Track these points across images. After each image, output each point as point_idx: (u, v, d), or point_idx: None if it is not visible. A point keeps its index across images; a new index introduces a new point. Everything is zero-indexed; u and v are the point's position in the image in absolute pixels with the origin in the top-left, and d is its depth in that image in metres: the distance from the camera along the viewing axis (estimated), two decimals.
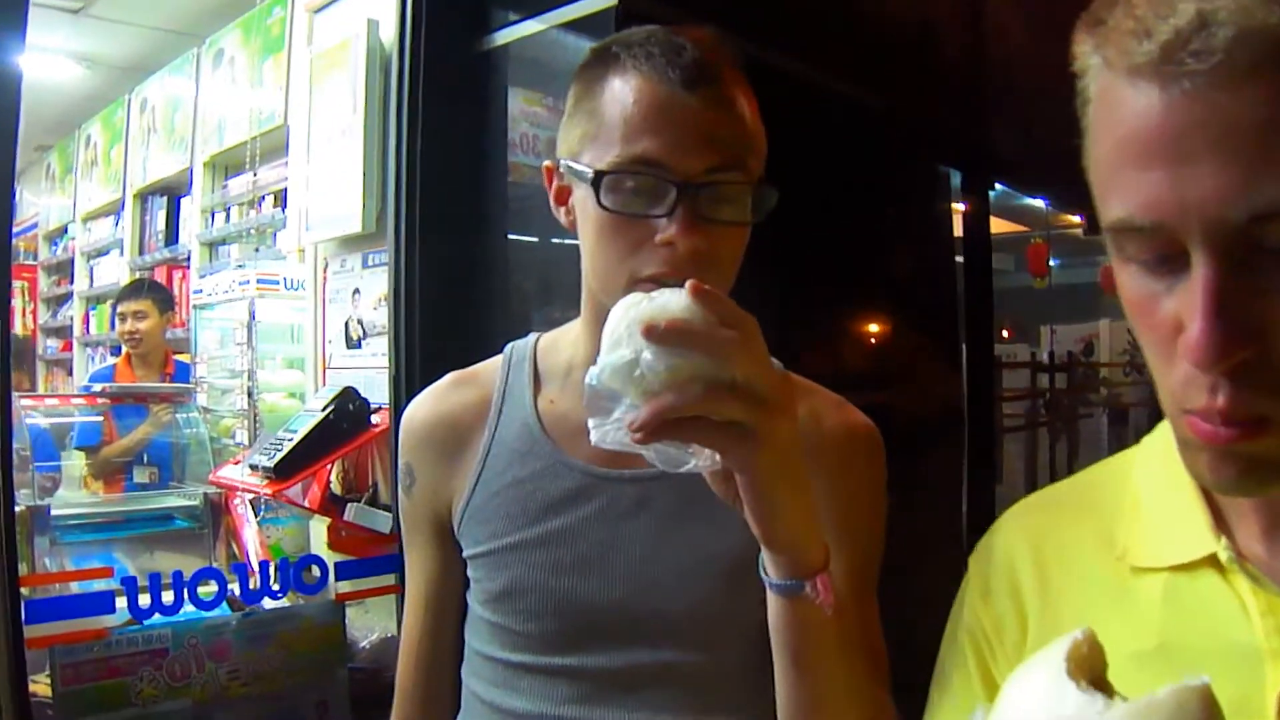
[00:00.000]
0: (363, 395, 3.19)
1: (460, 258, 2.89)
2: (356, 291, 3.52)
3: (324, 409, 3.14)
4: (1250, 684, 0.85)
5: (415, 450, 1.61)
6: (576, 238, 1.43)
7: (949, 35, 4.08)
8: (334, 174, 3.53)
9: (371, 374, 3.34)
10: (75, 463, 5.09)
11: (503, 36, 2.88)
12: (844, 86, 3.29)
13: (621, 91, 1.33)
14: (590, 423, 1.10)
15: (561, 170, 1.42)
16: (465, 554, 1.55)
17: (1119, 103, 0.78)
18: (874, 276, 3.41)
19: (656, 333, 1.03)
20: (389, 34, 3.29)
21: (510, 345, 1.63)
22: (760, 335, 1.09)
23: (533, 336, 1.63)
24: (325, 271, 3.70)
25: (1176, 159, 0.73)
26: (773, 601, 1.21)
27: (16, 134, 2.25)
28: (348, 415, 3.11)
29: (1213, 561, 0.92)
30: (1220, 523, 0.93)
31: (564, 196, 1.44)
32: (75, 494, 4.85)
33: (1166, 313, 0.79)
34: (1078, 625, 0.90)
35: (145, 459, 5.02)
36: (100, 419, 4.97)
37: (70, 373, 8.11)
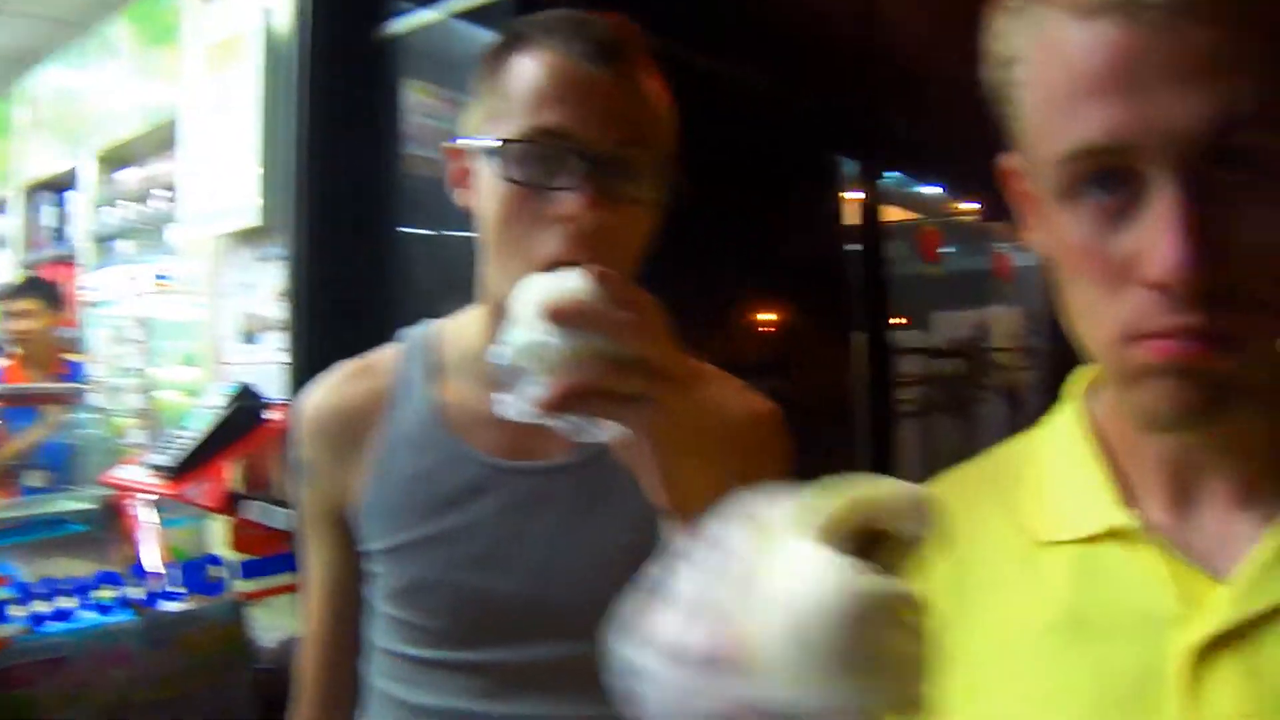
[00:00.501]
0: (260, 391, 3.16)
1: (356, 250, 2.88)
2: (251, 286, 3.51)
3: (220, 406, 3.12)
4: (1155, 651, 0.87)
5: (312, 444, 1.59)
6: (473, 228, 1.42)
7: (843, 21, 4.11)
8: (228, 166, 3.50)
9: (269, 369, 3.31)
10: None
11: (399, 26, 2.87)
12: (736, 72, 3.31)
13: (529, 67, 1.33)
14: (496, 396, 1.12)
15: (462, 148, 1.41)
16: (365, 549, 1.53)
17: (1070, 44, 0.81)
18: (767, 264, 3.44)
19: (559, 315, 1.06)
20: (282, 23, 3.26)
21: (405, 333, 1.62)
22: (660, 313, 1.12)
23: (429, 324, 1.62)
24: (219, 266, 3.65)
25: (1138, 86, 0.77)
26: None
27: None
28: (245, 412, 3.09)
29: (1119, 534, 0.94)
30: (1129, 496, 0.95)
31: (463, 177, 1.43)
32: None
33: (1120, 245, 0.80)
34: (987, 601, 1.00)
35: (37, 462, 4.95)
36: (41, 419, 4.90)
37: None
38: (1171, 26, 0.76)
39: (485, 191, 1.37)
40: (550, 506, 1.44)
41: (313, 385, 1.64)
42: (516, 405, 1.10)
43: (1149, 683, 0.87)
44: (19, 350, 5.50)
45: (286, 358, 3.01)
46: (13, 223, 7.08)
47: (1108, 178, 0.81)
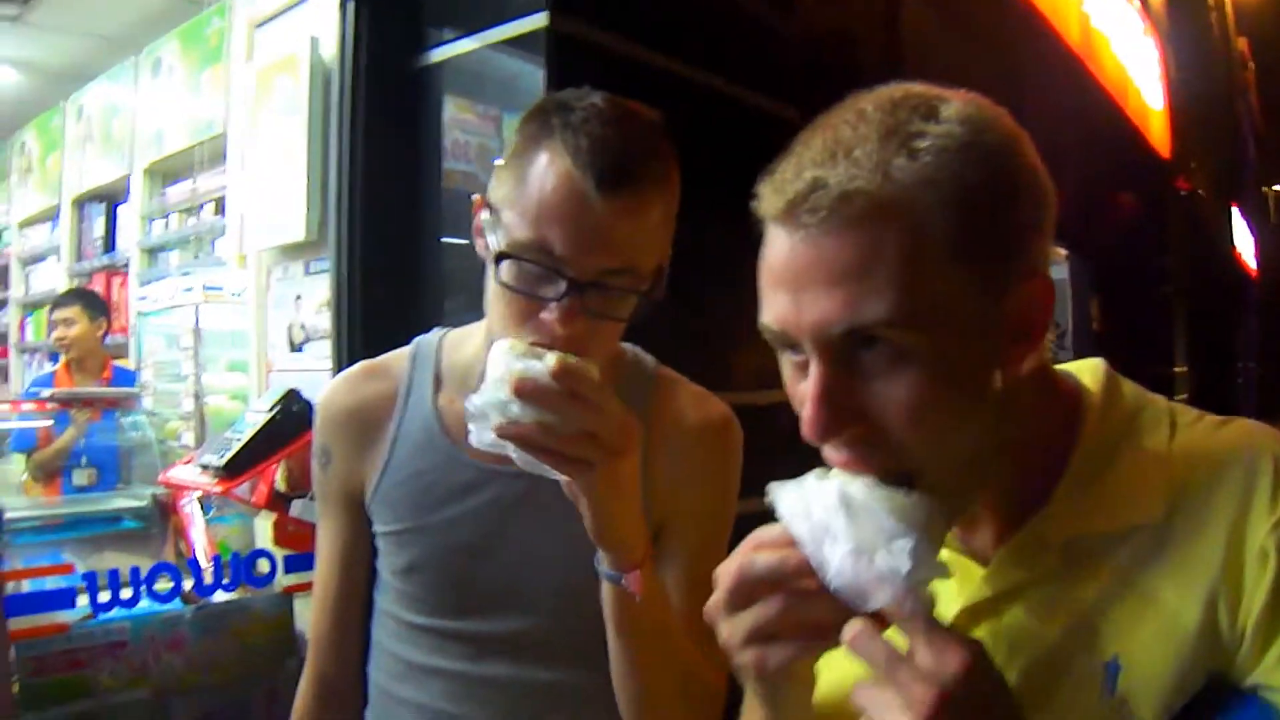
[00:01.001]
0: (305, 397, 3.27)
1: (398, 262, 2.99)
2: (299, 297, 3.61)
3: (269, 410, 3.22)
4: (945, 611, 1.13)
5: (332, 434, 1.79)
6: None
7: (869, 50, 4.23)
8: (276, 184, 3.61)
9: (314, 376, 3.43)
10: (14, 467, 5.15)
11: (438, 54, 2.98)
12: (763, 101, 3.42)
13: (544, 174, 1.44)
14: (469, 427, 1.39)
15: (486, 216, 1.53)
16: (374, 530, 1.74)
17: (768, 238, 1.05)
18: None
19: (521, 390, 1.32)
20: (329, 50, 3.39)
21: (417, 340, 1.80)
22: (611, 397, 1.37)
23: (438, 333, 1.80)
24: (268, 278, 3.78)
25: (796, 286, 1.00)
26: (603, 584, 1.49)
27: None
28: (292, 416, 3.20)
29: None
30: None
31: (481, 231, 1.55)
32: (17, 498, 4.90)
33: (802, 394, 1.03)
34: None
35: (84, 461, 5.09)
36: (49, 424, 5.03)
37: (6, 379, 8.08)
38: (818, 240, 0.99)
39: (488, 268, 1.51)
40: (531, 505, 1.64)
41: (331, 381, 1.85)
42: (481, 437, 1.37)
43: None
44: (66, 355, 5.65)
45: (331, 365, 3.12)
46: (63, 233, 7.20)
47: (791, 347, 1.05)
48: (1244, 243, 21.97)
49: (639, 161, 1.46)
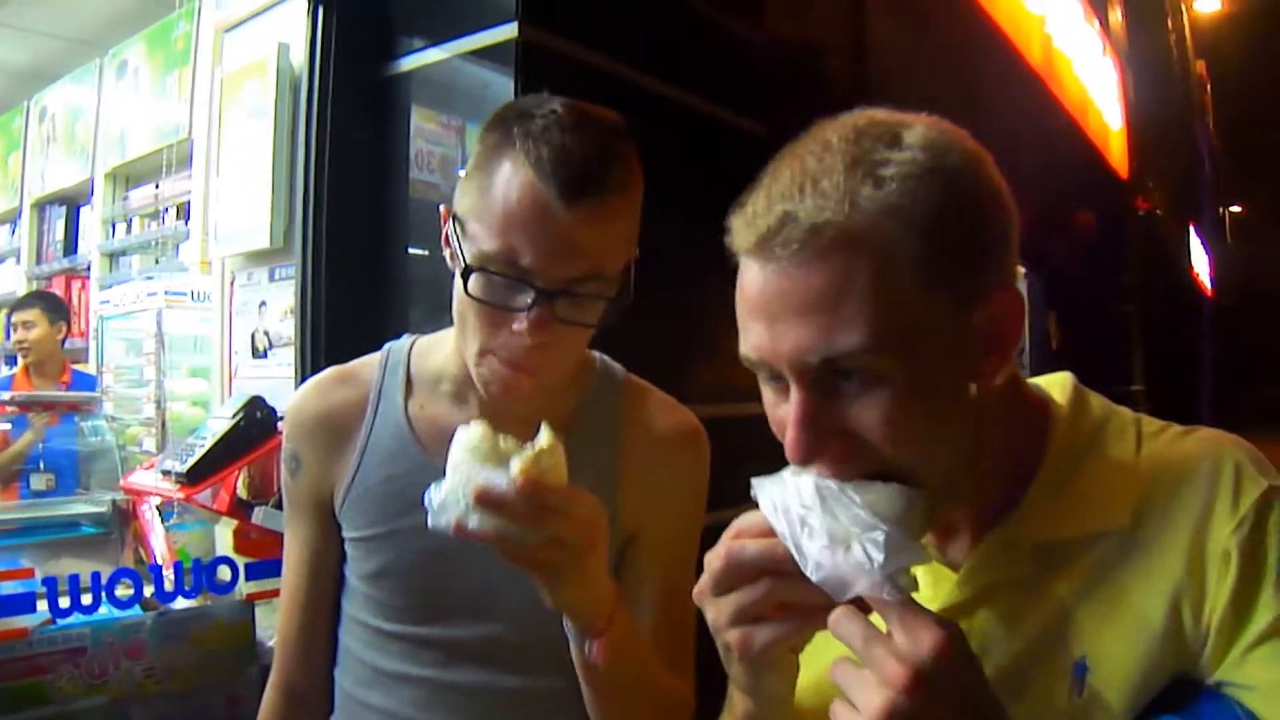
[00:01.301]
0: (269, 404, 3.25)
1: (363, 270, 3.00)
2: (263, 303, 3.59)
3: (233, 416, 3.20)
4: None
5: (301, 440, 1.79)
6: None
7: (833, 65, 4.26)
8: (242, 190, 3.60)
9: (276, 383, 3.43)
10: None
11: (407, 63, 2.99)
12: (728, 114, 3.45)
13: (508, 185, 1.46)
14: (427, 512, 1.36)
15: (452, 227, 1.55)
16: (345, 535, 1.75)
17: (742, 270, 1.09)
18: None
19: (485, 502, 1.31)
20: (298, 56, 3.37)
21: (388, 346, 1.81)
22: (580, 501, 1.37)
23: (408, 340, 1.81)
24: (232, 284, 3.77)
25: (770, 317, 1.04)
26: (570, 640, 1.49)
27: None
28: (256, 422, 3.18)
29: None
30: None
31: (448, 241, 1.57)
32: None
33: (782, 418, 1.08)
34: None
35: (42, 466, 5.03)
36: (6, 428, 4.98)
37: None
38: (791, 273, 1.03)
39: (457, 280, 1.52)
40: None
41: (301, 387, 1.84)
42: (437, 522, 1.35)
43: None
44: (25, 359, 5.62)
45: (294, 372, 3.12)
46: (23, 235, 7.15)
47: (770, 374, 1.10)
48: (1200, 262, 22.20)
49: (601, 167, 1.47)
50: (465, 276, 1.48)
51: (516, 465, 1.32)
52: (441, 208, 1.60)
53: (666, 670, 1.70)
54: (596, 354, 1.82)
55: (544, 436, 1.37)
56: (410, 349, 1.80)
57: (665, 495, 1.75)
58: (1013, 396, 1.20)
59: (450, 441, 1.37)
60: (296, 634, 1.84)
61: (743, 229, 1.08)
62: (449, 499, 1.33)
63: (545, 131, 1.46)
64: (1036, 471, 1.18)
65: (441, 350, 1.75)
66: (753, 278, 1.07)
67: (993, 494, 1.19)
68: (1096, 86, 10.99)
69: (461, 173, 1.59)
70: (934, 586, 1.20)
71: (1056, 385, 1.26)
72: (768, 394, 1.13)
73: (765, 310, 1.06)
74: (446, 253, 1.58)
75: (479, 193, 1.49)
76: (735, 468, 1.98)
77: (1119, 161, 12.16)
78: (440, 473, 1.60)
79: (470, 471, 1.33)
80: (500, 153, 1.48)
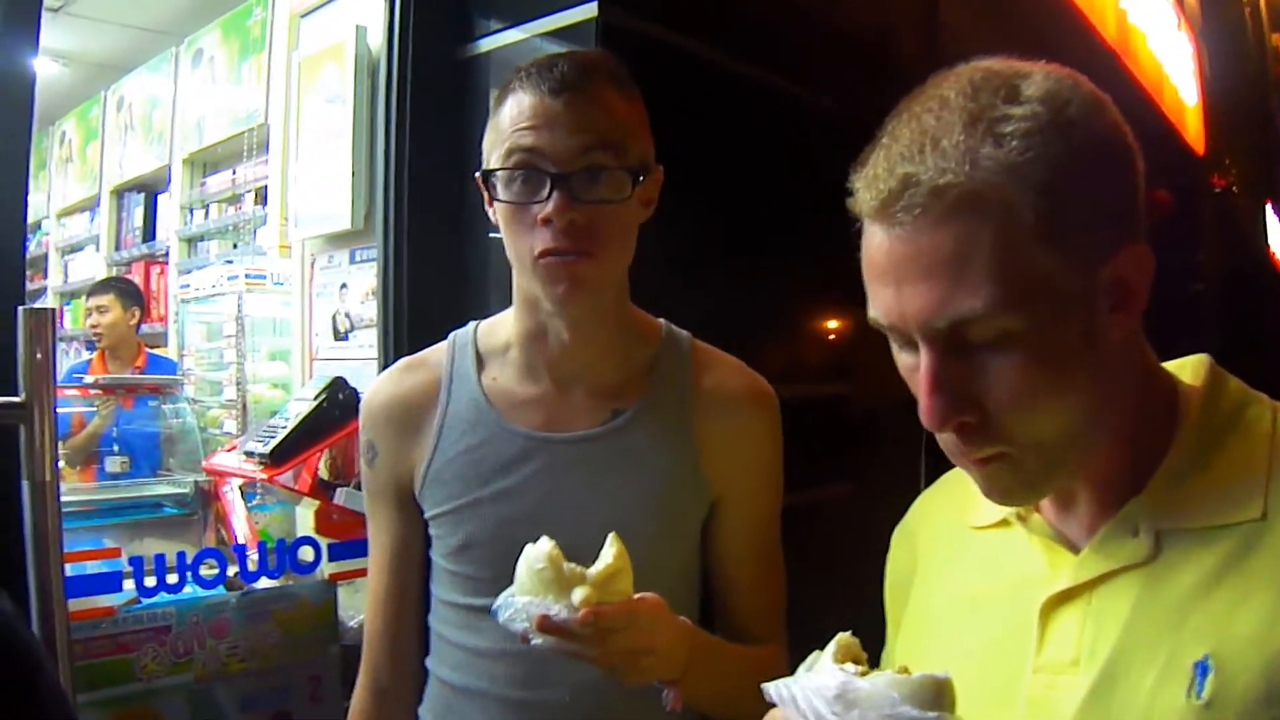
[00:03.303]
0: (351, 385, 3.28)
1: (444, 252, 2.99)
2: (344, 286, 3.61)
3: (315, 398, 3.23)
4: (1028, 606, 1.15)
5: (376, 429, 1.83)
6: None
7: (905, 43, 4.22)
8: (322, 173, 3.62)
9: (358, 365, 3.45)
10: None
11: (486, 44, 2.98)
12: (809, 96, 3.42)
13: (508, 106, 1.60)
14: (497, 611, 1.45)
15: (481, 178, 1.66)
16: (426, 515, 1.77)
17: (866, 234, 1.09)
18: (837, 273, 3.53)
19: (542, 628, 1.38)
20: (375, 40, 3.39)
21: (453, 333, 1.85)
22: (639, 613, 1.44)
23: (472, 324, 1.85)
24: (312, 267, 3.79)
25: (897, 281, 1.02)
26: None
27: (29, 141, 2.34)
28: (338, 403, 3.20)
29: (1013, 520, 1.23)
30: None
31: (490, 201, 1.67)
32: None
33: (916, 382, 1.07)
34: (936, 576, 1.32)
35: (116, 448, 5.10)
36: (81, 410, 5.05)
37: None
38: (914, 237, 1.02)
39: (496, 210, 1.64)
40: (583, 469, 1.67)
41: (373, 381, 1.90)
42: (516, 626, 1.42)
43: (1018, 635, 1.15)
44: (100, 343, 5.69)
45: (378, 354, 3.13)
46: (102, 222, 7.23)
47: (900, 337, 1.09)
48: (1277, 240, 21.83)
49: (586, 71, 1.61)
50: (488, 184, 1.62)
51: (579, 595, 1.37)
52: (476, 176, 1.70)
53: (761, 633, 1.76)
54: (662, 321, 1.85)
55: (610, 553, 1.43)
56: (475, 330, 1.84)
57: (744, 456, 1.78)
58: (1143, 373, 1.17)
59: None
60: (383, 630, 1.87)
61: (864, 192, 1.07)
62: (517, 616, 1.41)
63: (534, 63, 1.63)
64: (1164, 454, 1.13)
65: (504, 325, 1.80)
66: (878, 243, 1.07)
67: (1115, 473, 1.15)
68: (1171, 61, 10.81)
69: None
70: (1051, 567, 1.17)
71: (1189, 367, 1.22)
72: (901, 358, 1.13)
73: (891, 275, 1.05)
74: (490, 213, 1.68)
75: (492, 131, 1.65)
76: (804, 450, 2.00)
77: (1194, 138, 11.97)
78: (520, 438, 1.70)
79: (534, 600, 1.40)
80: (503, 98, 1.64)
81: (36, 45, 2.28)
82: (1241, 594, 1.03)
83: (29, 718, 1.13)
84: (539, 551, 1.41)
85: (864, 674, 1.04)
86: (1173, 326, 1.10)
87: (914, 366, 1.09)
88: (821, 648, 1.12)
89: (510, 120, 1.60)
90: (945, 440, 1.12)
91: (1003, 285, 1.00)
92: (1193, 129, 11.93)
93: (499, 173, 1.60)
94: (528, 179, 1.58)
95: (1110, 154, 1.07)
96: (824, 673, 1.05)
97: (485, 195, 1.68)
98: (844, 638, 1.11)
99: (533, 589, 1.40)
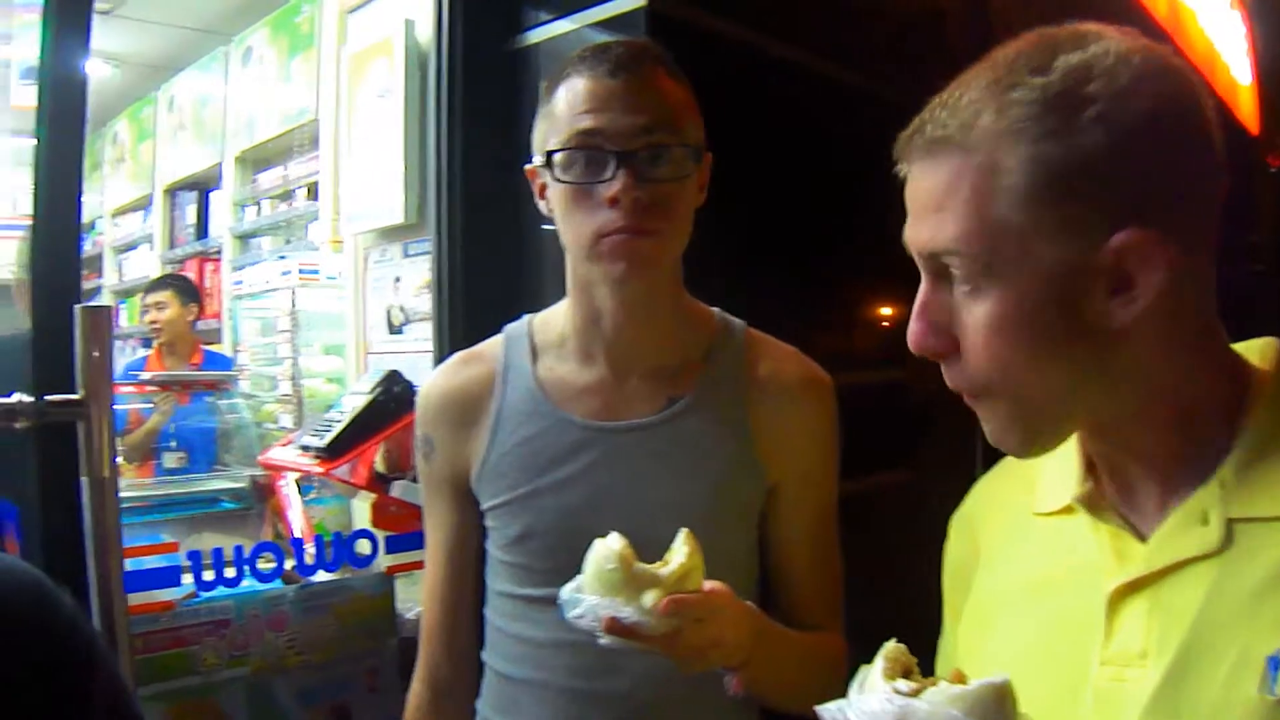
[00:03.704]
0: (406, 378, 3.28)
1: (498, 244, 2.99)
2: (398, 279, 3.62)
3: (370, 391, 3.23)
4: (1092, 598, 1.12)
5: (432, 422, 1.84)
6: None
7: (956, 26, 4.19)
8: (373, 168, 3.63)
9: (413, 358, 3.45)
10: None
11: (535, 35, 2.98)
12: (863, 82, 3.40)
13: (565, 91, 1.61)
14: (563, 606, 1.43)
15: (532, 167, 1.68)
16: (484, 506, 1.78)
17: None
18: (893, 258, 3.51)
19: (613, 633, 1.37)
20: (424, 34, 3.40)
21: (507, 327, 1.87)
22: (712, 604, 1.43)
23: (526, 317, 1.87)
24: (366, 261, 3.80)
25: (911, 212, 1.15)
26: None
27: (83, 143, 2.36)
28: (394, 396, 3.20)
29: (1078, 506, 1.20)
30: (1094, 477, 1.21)
31: (542, 191, 1.69)
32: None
33: None
34: (998, 564, 1.30)
35: (174, 444, 5.18)
36: (145, 405, 5.09)
37: None
38: (918, 175, 1.14)
39: (553, 196, 1.65)
40: (637, 457, 1.67)
41: (429, 375, 1.91)
42: (584, 623, 1.40)
43: (1084, 625, 1.13)
44: (158, 340, 5.75)
45: (433, 346, 3.13)
46: (155, 221, 7.29)
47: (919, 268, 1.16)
48: None
49: (640, 55, 1.64)
50: (551, 165, 1.62)
51: (650, 599, 1.37)
52: (526, 168, 1.72)
53: (818, 620, 1.76)
54: (715, 309, 1.86)
55: (683, 551, 1.42)
56: (530, 323, 1.85)
57: (800, 443, 1.78)
58: (1209, 354, 1.15)
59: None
60: (440, 624, 1.88)
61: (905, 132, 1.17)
62: (586, 614, 1.40)
63: (584, 53, 1.65)
64: (1233, 440, 1.10)
65: (558, 316, 1.81)
66: (903, 177, 1.17)
67: (1176, 458, 1.13)
68: (1223, 40, 10.68)
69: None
70: (1118, 556, 1.14)
71: (1256, 350, 1.18)
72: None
73: (909, 205, 1.16)
74: (542, 205, 1.70)
75: (545, 120, 1.67)
76: (860, 437, 1.99)
77: (1248, 117, 11.82)
78: (577, 428, 1.70)
79: (602, 601, 1.39)
80: (555, 85, 1.66)
81: (88, 48, 2.29)
82: None
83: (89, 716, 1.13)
84: (609, 551, 1.39)
85: (918, 691, 1.01)
86: (1231, 305, 1.08)
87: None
88: (872, 655, 1.10)
89: (567, 106, 1.61)
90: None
91: (973, 226, 1.07)
92: (1246, 108, 11.78)
93: (559, 154, 1.61)
94: (591, 160, 1.59)
95: (1136, 132, 1.04)
96: (876, 693, 1.03)
97: (536, 188, 1.70)
98: (891, 648, 1.09)
99: (602, 589, 1.38)
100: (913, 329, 1.15)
